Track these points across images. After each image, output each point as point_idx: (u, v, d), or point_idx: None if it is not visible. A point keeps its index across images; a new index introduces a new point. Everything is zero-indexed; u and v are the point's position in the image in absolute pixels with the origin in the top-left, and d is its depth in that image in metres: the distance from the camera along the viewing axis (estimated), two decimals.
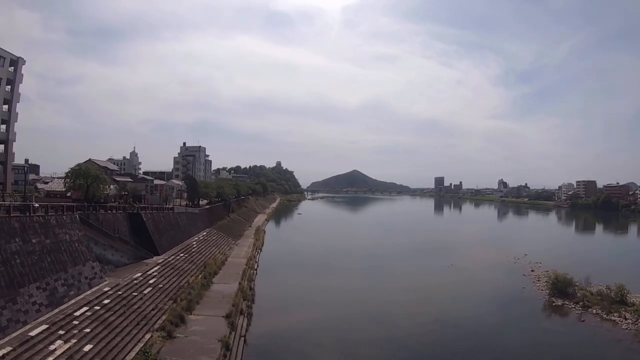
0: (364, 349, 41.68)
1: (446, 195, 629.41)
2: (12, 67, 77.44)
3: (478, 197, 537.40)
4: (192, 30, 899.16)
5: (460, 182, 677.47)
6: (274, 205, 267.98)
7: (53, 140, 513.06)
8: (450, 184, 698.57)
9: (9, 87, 76.93)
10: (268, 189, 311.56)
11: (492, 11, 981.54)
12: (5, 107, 76.51)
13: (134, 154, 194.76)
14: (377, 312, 53.13)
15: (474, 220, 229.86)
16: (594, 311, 53.47)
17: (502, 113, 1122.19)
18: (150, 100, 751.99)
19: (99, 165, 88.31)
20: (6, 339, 28.24)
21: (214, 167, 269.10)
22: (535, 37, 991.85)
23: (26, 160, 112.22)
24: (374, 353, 40.62)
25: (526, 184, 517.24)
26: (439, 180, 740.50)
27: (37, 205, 44.90)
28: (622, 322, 49.42)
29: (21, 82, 79.69)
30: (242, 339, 41.21)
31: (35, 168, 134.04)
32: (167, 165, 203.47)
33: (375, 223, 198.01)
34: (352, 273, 76.76)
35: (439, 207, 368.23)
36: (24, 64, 79.63)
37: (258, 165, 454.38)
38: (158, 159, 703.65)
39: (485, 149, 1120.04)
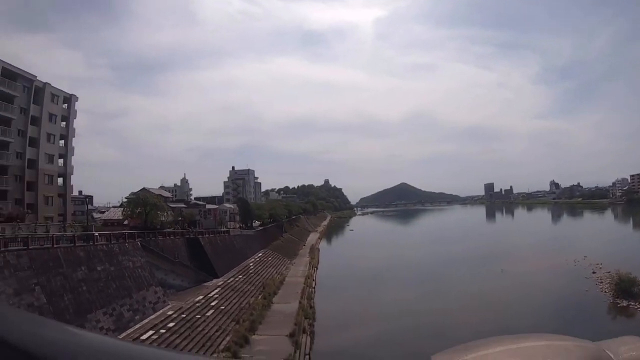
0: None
1: (497, 201, 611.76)
2: (66, 104, 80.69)
3: (530, 200, 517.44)
4: (228, 57, 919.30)
5: (511, 187, 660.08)
6: (325, 222, 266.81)
7: (102, 172, 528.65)
8: (501, 190, 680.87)
9: (64, 123, 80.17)
10: (318, 207, 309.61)
11: (524, 9, 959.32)
12: (62, 142, 79.64)
13: (184, 181, 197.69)
14: (434, 320, 51.31)
15: (527, 224, 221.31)
16: None
17: (545, 112, 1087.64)
18: (193, 128, 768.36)
19: (153, 193, 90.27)
20: None
21: (262, 189, 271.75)
22: (570, 31, 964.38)
23: (80, 192, 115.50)
24: None
25: (579, 183, 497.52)
26: (489, 187, 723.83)
27: (97, 234, 46.48)
28: None
29: (75, 118, 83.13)
30: (307, 357, 40.97)
31: (89, 199, 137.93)
32: (216, 190, 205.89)
33: (426, 234, 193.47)
34: (406, 283, 75.00)
35: (490, 214, 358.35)
36: (76, 101, 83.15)
37: (306, 184, 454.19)
38: (206, 184, 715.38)
39: (532, 151, 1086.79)
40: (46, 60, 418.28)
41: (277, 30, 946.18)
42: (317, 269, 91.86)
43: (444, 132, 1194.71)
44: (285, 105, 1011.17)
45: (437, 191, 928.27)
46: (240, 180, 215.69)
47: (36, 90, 72.69)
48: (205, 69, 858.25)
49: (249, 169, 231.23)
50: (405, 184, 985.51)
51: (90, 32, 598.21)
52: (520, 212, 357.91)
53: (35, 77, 72.80)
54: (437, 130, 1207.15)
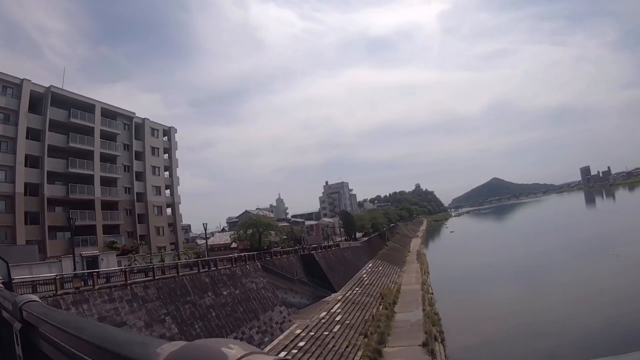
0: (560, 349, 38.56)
1: (595, 185, 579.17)
2: (166, 137, 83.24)
3: (631, 180, 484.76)
4: (300, 77, 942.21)
5: (609, 168, 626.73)
6: (423, 227, 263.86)
7: (195, 201, 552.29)
8: (598, 172, 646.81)
9: (167, 155, 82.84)
10: (413, 213, 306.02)
11: None
12: (166, 173, 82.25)
13: (280, 201, 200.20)
14: (557, 313, 47.90)
15: (632, 205, 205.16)
16: None
17: (633, 80, 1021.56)
18: (278, 150, 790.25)
19: (257, 214, 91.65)
20: None
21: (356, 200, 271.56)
22: None
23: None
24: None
25: None
26: (585, 171, 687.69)
27: (209, 259, 47.61)
28: None
29: (177, 149, 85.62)
30: None
31: (188, 227, 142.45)
32: (309, 206, 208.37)
33: (526, 227, 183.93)
34: (517, 280, 71.68)
35: (589, 200, 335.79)
36: (175, 132, 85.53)
37: (397, 191, 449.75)
38: (298, 202, 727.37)
39: (626, 124, 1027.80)
40: (128, 106, 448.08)
41: (342, 42, 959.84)
42: (429, 273, 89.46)
43: (528, 118, 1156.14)
44: (363, 115, 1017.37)
45: (530, 182, 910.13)
46: (335, 194, 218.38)
47: (136, 126, 75.81)
48: (280, 91, 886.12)
49: (342, 182, 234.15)
50: (497, 178, 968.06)
51: (165, 75, 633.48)
52: (622, 194, 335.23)
53: (134, 113, 75.47)
54: (520, 118, 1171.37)
